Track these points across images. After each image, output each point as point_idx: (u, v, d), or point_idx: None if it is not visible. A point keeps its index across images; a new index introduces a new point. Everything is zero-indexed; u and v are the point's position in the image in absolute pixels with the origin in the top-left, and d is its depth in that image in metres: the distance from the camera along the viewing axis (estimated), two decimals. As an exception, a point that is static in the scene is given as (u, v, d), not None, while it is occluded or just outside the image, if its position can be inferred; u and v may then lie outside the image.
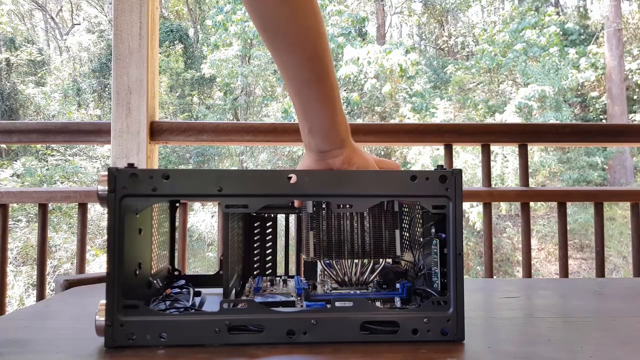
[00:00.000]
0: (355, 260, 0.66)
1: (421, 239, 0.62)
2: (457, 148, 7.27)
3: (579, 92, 10.46)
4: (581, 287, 0.87)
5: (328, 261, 0.66)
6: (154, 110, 1.47)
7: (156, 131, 1.45)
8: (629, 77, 10.35)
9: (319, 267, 0.70)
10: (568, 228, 1.55)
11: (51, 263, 6.25)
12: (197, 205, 7.74)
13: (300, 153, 9.07)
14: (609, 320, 0.64)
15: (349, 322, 0.52)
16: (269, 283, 0.71)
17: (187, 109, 10.18)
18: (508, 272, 8.09)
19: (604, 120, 10.06)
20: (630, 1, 11.58)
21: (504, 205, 8.17)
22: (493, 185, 1.53)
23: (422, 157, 8.78)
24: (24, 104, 9.29)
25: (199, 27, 12.05)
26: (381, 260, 0.66)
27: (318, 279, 0.70)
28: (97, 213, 6.89)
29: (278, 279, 0.73)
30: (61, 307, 0.72)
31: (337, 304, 0.53)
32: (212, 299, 0.65)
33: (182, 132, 1.48)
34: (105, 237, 0.61)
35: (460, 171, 0.54)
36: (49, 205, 1.52)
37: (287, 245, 0.79)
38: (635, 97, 10.50)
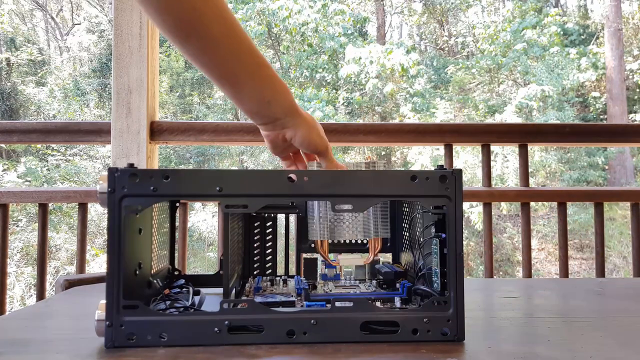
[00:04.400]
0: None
1: (421, 239, 0.62)
2: (457, 148, 7.27)
3: (579, 92, 10.45)
4: (581, 287, 0.87)
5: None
6: (154, 110, 1.47)
7: (156, 131, 1.45)
8: (629, 77, 10.35)
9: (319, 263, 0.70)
10: (568, 228, 1.54)
11: (53, 264, 6.25)
12: (197, 205, 7.74)
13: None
14: (609, 320, 0.64)
15: (349, 322, 0.52)
16: (269, 283, 0.71)
17: (187, 109, 10.17)
18: (508, 272, 8.09)
19: (604, 120, 10.05)
20: (630, 1, 11.57)
21: (504, 205, 8.16)
22: (493, 185, 1.53)
23: (422, 157, 8.78)
24: (24, 104, 9.29)
25: (199, 27, 12.02)
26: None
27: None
28: (97, 213, 6.88)
29: (278, 278, 0.73)
30: (61, 307, 0.72)
31: (337, 304, 0.53)
32: (212, 298, 0.65)
33: (182, 132, 1.48)
34: (106, 237, 0.61)
35: (460, 171, 0.54)
36: (49, 205, 1.52)
37: (287, 245, 0.79)
38: (635, 97, 10.49)
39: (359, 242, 0.74)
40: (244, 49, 0.62)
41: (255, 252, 0.75)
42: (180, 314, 0.52)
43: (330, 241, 0.69)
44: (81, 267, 1.43)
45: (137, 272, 0.54)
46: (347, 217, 0.65)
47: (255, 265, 0.75)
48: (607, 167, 9.48)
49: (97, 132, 1.48)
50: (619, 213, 7.97)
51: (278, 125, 0.66)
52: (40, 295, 1.43)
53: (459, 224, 0.53)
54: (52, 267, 6.21)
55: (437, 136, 1.56)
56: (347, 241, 0.73)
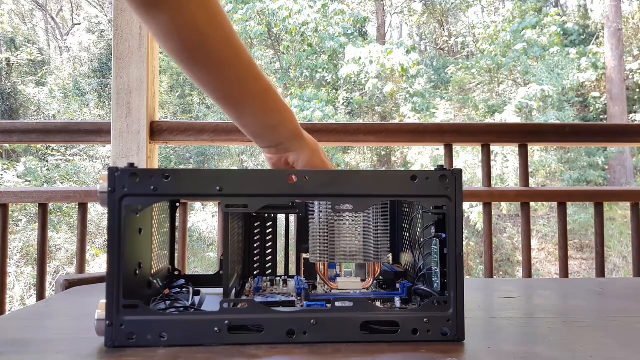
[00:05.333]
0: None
1: (421, 239, 0.62)
2: (457, 148, 7.27)
3: (579, 92, 10.45)
4: (581, 287, 0.87)
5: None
6: (154, 110, 1.47)
7: (156, 131, 1.45)
8: (629, 77, 10.35)
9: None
10: (568, 228, 1.54)
11: (53, 264, 6.25)
12: (197, 205, 7.74)
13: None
14: (609, 320, 0.64)
15: (349, 322, 0.52)
16: (269, 283, 0.71)
17: (187, 109, 10.17)
18: (508, 272, 8.09)
19: (604, 120, 10.05)
20: (630, 1, 11.57)
21: (504, 205, 8.16)
22: (493, 185, 1.53)
23: (422, 157, 8.78)
24: (24, 104, 9.29)
25: (199, 27, 12.00)
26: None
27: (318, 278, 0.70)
28: (97, 213, 6.88)
29: (278, 279, 0.73)
30: (61, 307, 0.72)
31: (337, 304, 0.53)
32: (212, 298, 0.65)
33: (182, 132, 1.48)
34: (106, 237, 0.61)
35: (460, 171, 0.54)
36: (49, 205, 1.52)
37: (287, 245, 0.79)
38: (635, 97, 10.49)
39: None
40: (250, 74, 0.62)
41: (255, 252, 0.75)
42: (180, 314, 0.52)
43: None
44: (81, 267, 1.43)
45: (137, 272, 0.54)
46: (348, 240, 0.64)
47: (255, 266, 0.75)
48: (607, 167, 9.48)
49: (97, 132, 1.48)
50: (619, 213, 7.97)
51: (281, 149, 0.67)
52: (40, 295, 1.43)
53: (459, 224, 0.53)
54: (52, 267, 6.21)
55: (437, 136, 1.56)
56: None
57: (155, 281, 0.61)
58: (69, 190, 1.46)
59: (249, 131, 0.66)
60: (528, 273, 1.49)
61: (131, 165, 0.52)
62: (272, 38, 10.61)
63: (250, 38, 9.81)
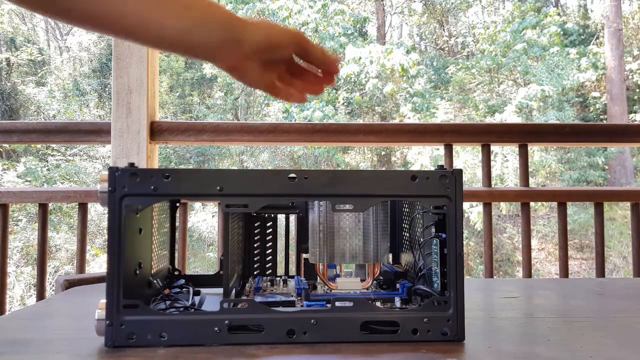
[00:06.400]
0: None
1: (421, 239, 0.62)
2: (457, 148, 7.26)
3: (579, 92, 10.45)
4: (581, 287, 0.87)
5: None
6: (154, 110, 1.47)
7: (156, 131, 1.45)
8: (629, 77, 10.35)
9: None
10: (568, 228, 1.54)
11: (53, 264, 6.25)
12: (197, 205, 7.73)
13: (302, 153, 9.06)
14: (609, 320, 0.64)
15: (349, 322, 0.52)
16: (269, 283, 0.71)
17: (187, 109, 10.17)
18: (508, 272, 8.09)
19: (604, 120, 10.05)
20: (630, 1, 11.57)
21: (504, 205, 8.16)
22: (493, 185, 1.53)
23: (422, 157, 8.78)
24: (24, 104, 9.29)
25: (199, 27, 11.99)
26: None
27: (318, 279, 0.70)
28: (97, 213, 6.88)
29: (278, 279, 0.73)
30: (61, 307, 0.72)
31: (337, 304, 0.53)
32: (212, 298, 0.65)
33: (182, 132, 1.48)
34: (106, 237, 0.61)
35: (460, 171, 0.54)
36: (49, 205, 1.52)
37: (287, 245, 0.79)
38: (635, 97, 10.49)
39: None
40: None
41: (255, 252, 0.75)
42: (181, 314, 0.52)
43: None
44: (81, 267, 1.43)
45: (137, 271, 0.54)
46: (348, 240, 0.64)
47: (255, 266, 0.75)
48: (607, 167, 9.48)
49: (97, 132, 1.48)
50: (619, 213, 7.97)
51: (228, 46, 0.54)
52: (40, 295, 1.43)
53: (459, 224, 0.53)
54: (52, 267, 6.21)
55: (437, 136, 1.56)
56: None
57: (155, 281, 0.61)
58: (69, 190, 1.46)
59: (181, 43, 0.54)
60: (528, 273, 1.49)
61: (131, 165, 0.52)
62: (272, 38, 10.58)
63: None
